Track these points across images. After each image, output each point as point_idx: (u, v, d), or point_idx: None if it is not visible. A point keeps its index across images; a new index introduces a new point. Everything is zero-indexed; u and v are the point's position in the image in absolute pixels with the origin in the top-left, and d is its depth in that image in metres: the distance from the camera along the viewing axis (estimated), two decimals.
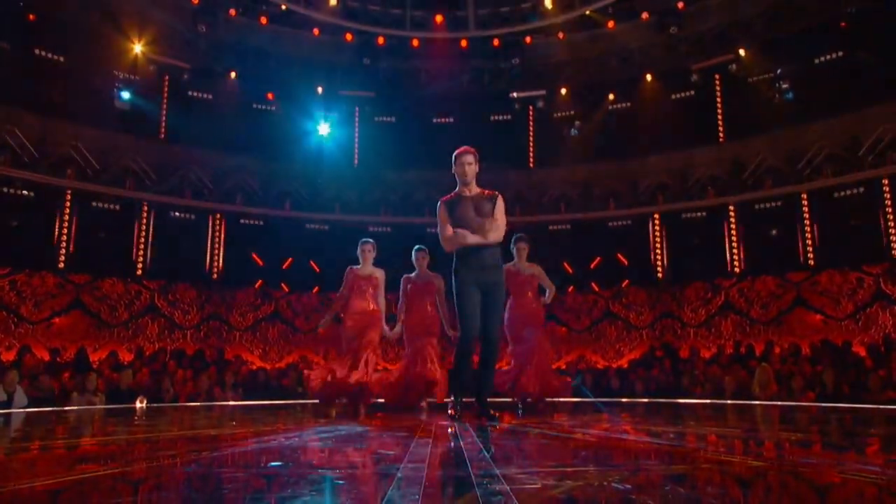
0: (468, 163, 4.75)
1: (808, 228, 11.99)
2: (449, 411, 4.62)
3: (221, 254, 13.36)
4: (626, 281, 13.61)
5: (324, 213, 13.79)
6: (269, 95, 14.33)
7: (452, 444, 3.46)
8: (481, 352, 4.66)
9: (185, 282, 12.91)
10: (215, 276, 13.28)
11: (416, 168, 13.94)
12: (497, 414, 4.62)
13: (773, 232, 12.58)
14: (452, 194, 4.82)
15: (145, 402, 8.97)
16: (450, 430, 4.15)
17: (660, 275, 13.45)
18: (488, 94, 14.78)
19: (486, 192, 4.78)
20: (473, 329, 4.56)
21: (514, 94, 14.73)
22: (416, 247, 6.93)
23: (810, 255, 11.93)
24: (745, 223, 12.75)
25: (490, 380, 4.63)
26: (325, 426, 4.74)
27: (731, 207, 12.85)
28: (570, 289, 13.52)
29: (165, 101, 13.53)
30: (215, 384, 10.45)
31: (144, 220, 12.64)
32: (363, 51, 14.24)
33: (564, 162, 14.45)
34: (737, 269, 12.74)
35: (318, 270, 13.58)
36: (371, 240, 6.53)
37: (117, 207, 12.41)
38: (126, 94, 12.79)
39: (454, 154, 4.80)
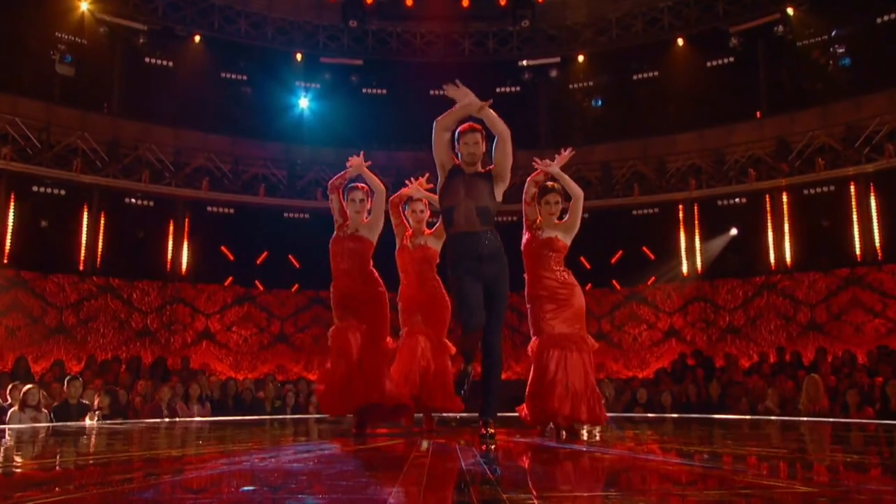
0: (475, 142, 4.59)
1: (866, 217, 11.96)
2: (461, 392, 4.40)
3: (185, 246, 13.31)
4: (653, 278, 13.60)
5: (304, 200, 13.76)
6: (240, 63, 14.25)
7: (453, 464, 3.46)
8: (483, 361, 4.43)
9: (143, 279, 12.88)
10: (179, 272, 13.23)
11: (410, 147, 13.88)
12: (494, 431, 4.37)
13: (825, 222, 12.55)
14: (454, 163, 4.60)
15: (97, 418, 8.96)
16: (451, 447, 4.15)
17: (691, 271, 13.44)
18: (494, 62, 14.72)
19: (483, 169, 4.59)
20: (477, 324, 4.25)
21: (524, 63, 14.67)
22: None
23: (868, 248, 11.91)
24: (792, 211, 12.72)
25: (492, 395, 4.40)
26: (306, 444, 4.74)
27: (776, 193, 12.82)
28: (588, 286, 13.46)
29: (118, 69, 13.44)
30: (178, 397, 10.45)
31: (95, 208, 12.58)
32: (349, 11, 14.17)
33: (581, 141, 14.38)
34: (782, 265, 12.72)
35: (297, 266, 13.56)
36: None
37: (62, 192, 12.37)
38: (71, 61, 12.71)
39: (457, 131, 4.63)
